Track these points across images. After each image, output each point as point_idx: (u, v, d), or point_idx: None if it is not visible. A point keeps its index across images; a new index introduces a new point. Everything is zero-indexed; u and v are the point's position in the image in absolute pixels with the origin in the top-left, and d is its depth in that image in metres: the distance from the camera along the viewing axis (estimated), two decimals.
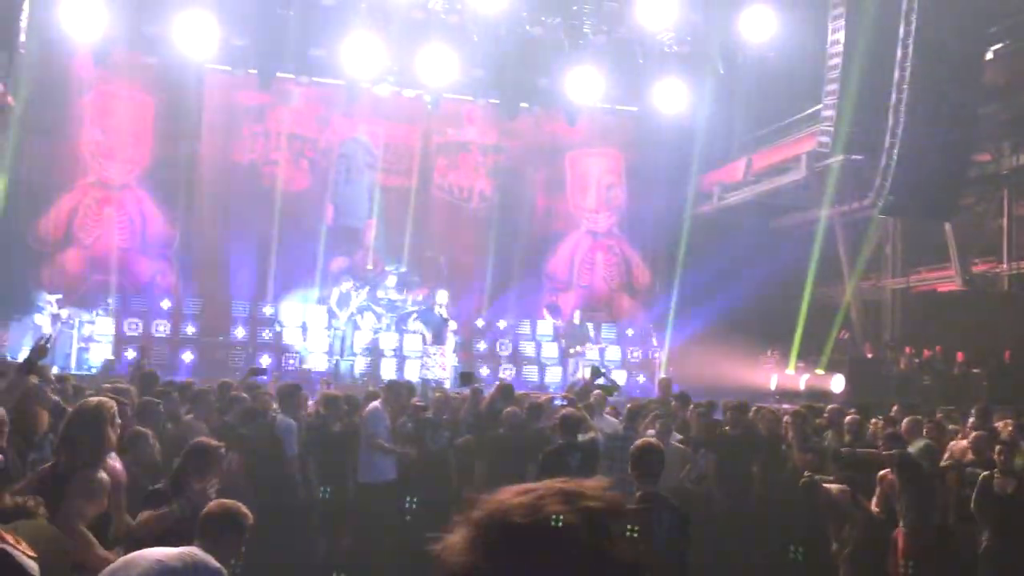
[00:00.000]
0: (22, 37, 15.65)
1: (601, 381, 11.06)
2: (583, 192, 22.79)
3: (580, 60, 19.84)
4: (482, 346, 18.83)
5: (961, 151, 16.55)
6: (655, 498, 5.56)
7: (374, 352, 17.35)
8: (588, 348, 18.20)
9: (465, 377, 11.26)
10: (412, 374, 16.14)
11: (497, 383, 11.02)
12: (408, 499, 8.00)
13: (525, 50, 19.80)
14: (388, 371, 16.69)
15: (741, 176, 20.94)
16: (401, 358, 17.41)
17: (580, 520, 1.23)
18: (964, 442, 8.76)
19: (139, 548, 3.70)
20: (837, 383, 16.56)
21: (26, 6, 15.67)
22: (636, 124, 22.36)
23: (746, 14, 19.29)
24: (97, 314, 17.22)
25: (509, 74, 20.06)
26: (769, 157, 20.42)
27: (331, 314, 17.54)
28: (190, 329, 17.54)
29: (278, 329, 17.77)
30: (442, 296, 16.79)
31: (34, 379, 5.99)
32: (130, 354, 16.14)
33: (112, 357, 16.33)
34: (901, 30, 15.82)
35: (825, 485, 7.83)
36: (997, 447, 7.52)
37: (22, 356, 8.30)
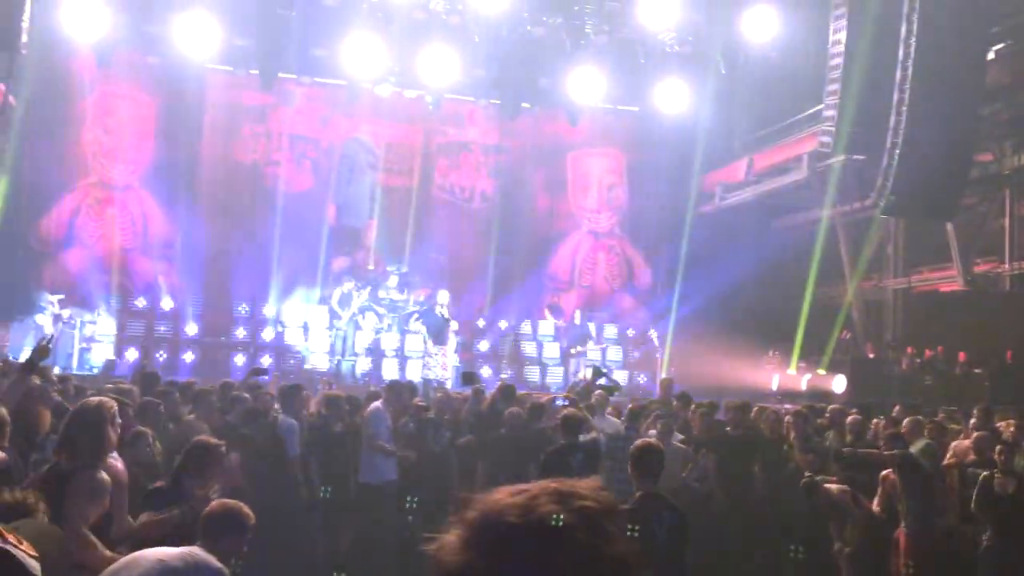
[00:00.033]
0: (24, 38, 15.65)
1: (603, 381, 11.08)
2: (584, 192, 22.79)
3: (581, 60, 19.83)
4: (483, 346, 18.84)
5: (963, 151, 16.54)
6: (655, 498, 5.57)
7: (375, 352, 17.37)
8: (589, 348, 18.20)
9: (467, 377, 11.27)
10: (414, 374, 16.15)
11: (498, 383, 11.04)
12: (409, 499, 8.00)
13: (526, 50, 19.79)
14: (390, 371, 16.70)
15: (743, 176, 20.94)
16: (403, 358, 17.43)
17: (574, 520, 1.24)
18: (967, 441, 8.77)
19: (140, 548, 3.71)
20: (839, 383, 16.54)
21: (28, 7, 15.68)
22: (637, 124, 22.35)
23: (748, 14, 19.26)
24: (99, 314, 17.24)
25: (510, 74, 20.06)
26: (771, 157, 20.42)
27: (333, 314, 17.54)
28: (192, 329, 17.55)
29: (280, 329, 17.78)
30: (443, 296, 16.79)
31: (37, 379, 6.00)
32: (131, 354, 16.20)
33: (113, 357, 16.35)
34: (903, 30, 15.82)
35: (826, 486, 7.84)
36: (998, 447, 7.53)
37: (24, 356, 8.31)
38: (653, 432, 8.80)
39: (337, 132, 20.94)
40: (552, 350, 19.00)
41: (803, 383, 17.47)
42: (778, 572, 7.80)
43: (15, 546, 1.66)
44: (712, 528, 8.27)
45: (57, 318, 16.16)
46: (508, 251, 21.14)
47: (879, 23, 16.35)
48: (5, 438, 4.77)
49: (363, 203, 21.03)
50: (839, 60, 17.08)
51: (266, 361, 16.46)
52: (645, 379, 18.77)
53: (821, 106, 17.80)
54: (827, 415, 10.29)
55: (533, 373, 18.50)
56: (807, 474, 7.96)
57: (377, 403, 9.17)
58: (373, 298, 17.85)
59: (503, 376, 17.01)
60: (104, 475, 4.35)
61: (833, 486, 7.89)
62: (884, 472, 7.80)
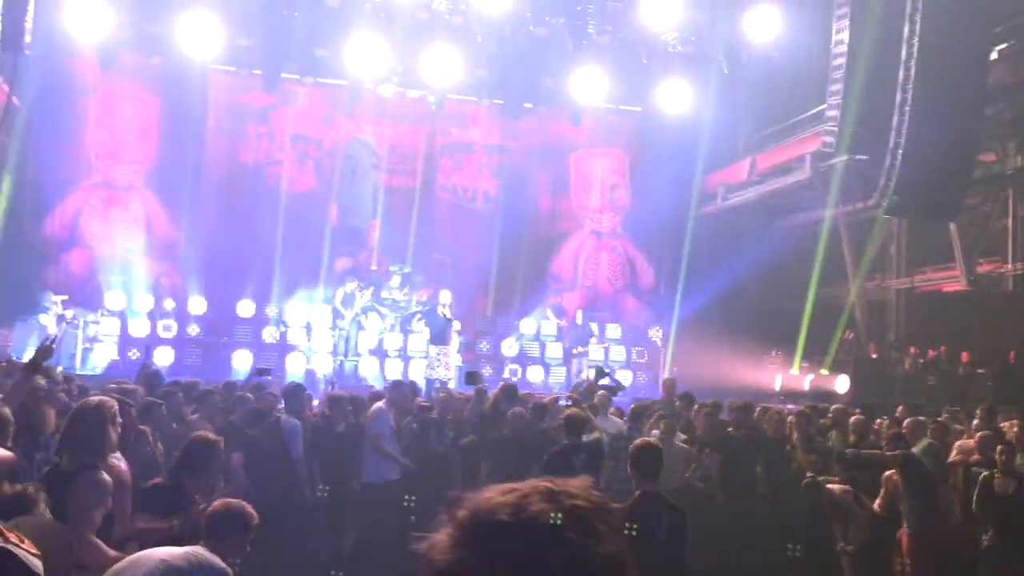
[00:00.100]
0: (27, 38, 15.65)
1: (605, 381, 11.09)
2: (587, 192, 22.79)
3: (584, 60, 19.84)
4: (486, 346, 18.85)
5: (966, 151, 16.51)
6: (654, 497, 5.57)
7: (378, 352, 17.37)
8: (592, 348, 18.20)
9: (471, 376, 11.28)
10: (417, 374, 16.15)
11: (500, 383, 11.04)
12: (407, 497, 8.01)
13: (529, 50, 19.79)
14: (393, 371, 16.71)
15: (745, 176, 20.92)
16: (406, 358, 17.44)
17: (564, 518, 1.24)
18: (972, 441, 8.77)
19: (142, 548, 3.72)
20: (841, 383, 16.53)
21: (31, 7, 15.67)
22: (640, 124, 22.34)
23: (750, 14, 19.26)
24: (102, 314, 17.26)
25: (513, 74, 20.07)
26: (773, 157, 20.40)
27: (336, 314, 17.55)
28: (194, 329, 17.56)
29: (283, 329, 17.79)
30: (445, 296, 16.79)
31: (42, 380, 6.00)
32: (133, 354, 16.21)
33: (117, 358, 16.37)
34: (905, 30, 15.80)
35: (828, 486, 7.84)
36: (998, 447, 7.54)
37: (27, 356, 8.32)
38: (656, 432, 8.81)
39: (340, 132, 20.96)
40: (555, 350, 19.00)
41: (806, 383, 17.46)
42: (780, 572, 7.79)
43: (16, 545, 1.66)
44: (715, 528, 8.27)
45: (60, 318, 16.18)
46: (511, 251, 21.13)
47: (882, 23, 16.33)
48: (8, 438, 4.77)
49: (366, 203, 21.04)
50: (842, 60, 17.06)
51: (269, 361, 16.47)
52: (647, 379, 18.76)
53: (824, 106, 17.78)
54: (830, 415, 10.28)
55: (536, 373, 18.51)
56: (809, 474, 7.96)
57: (380, 403, 9.18)
58: (376, 298, 17.86)
59: (505, 376, 17.00)
60: (105, 476, 4.35)
61: (835, 486, 7.89)
62: (887, 473, 7.80)
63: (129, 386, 8.06)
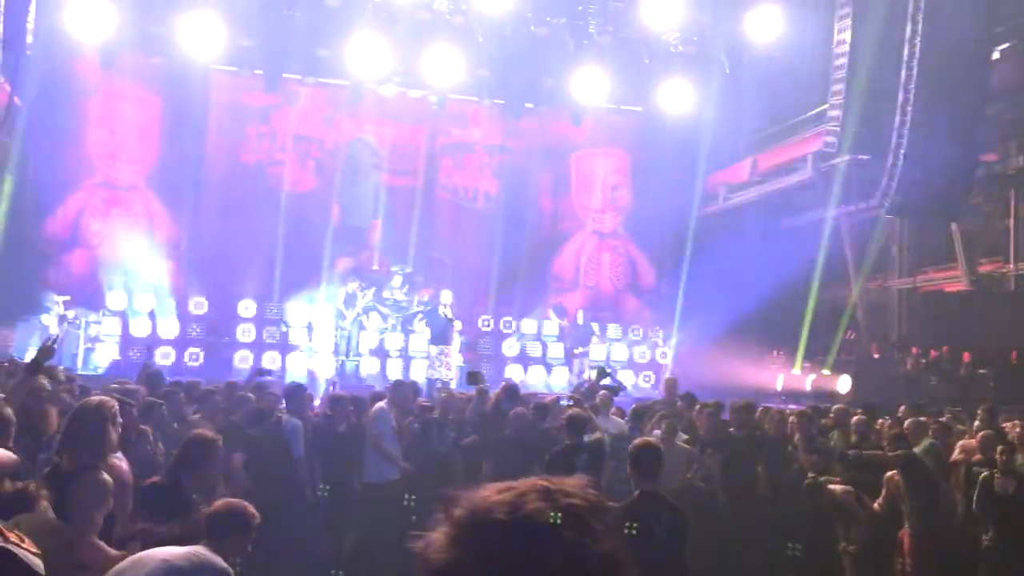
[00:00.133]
0: (29, 38, 15.66)
1: (607, 381, 11.09)
2: (588, 192, 22.78)
3: (585, 60, 19.84)
4: (487, 346, 18.85)
5: (968, 151, 16.48)
6: (654, 497, 5.56)
7: (379, 352, 17.38)
8: (594, 348, 18.19)
9: (473, 376, 11.28)
10: (418, 374, 16.16)
11: (502, 383, 11.04)
12: (407, 496, 8.01)
13: (530, 50, 19.80)
14: (394, 371, 16.72)
15: (747, 176, 20.92)
16: (407, 358, 17.44)
17: (561, 517, 1.24)
18: (974, 441, 8.77)
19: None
20: (843, 383, 16.52)
21: (32, 7, 15.69)
22: (641, 124, 22.34)
23: (752, 14, 19.27)
24: (103, 314, 17.27)
25: (514, 74, 20.07)
26: (775, 157, 20.39)
27: (338, 314, 17.56)
28: (196, 329, 17.57)
29: (284, 329, 17.80)
30: (446, 296, 16.80)
31: (45, 380, 5.99)
32: (134, 354, 16.22)
33: (118, 358, 16.38)
34: (908, 29, 15.78)
35: (830, 487, 7.83)
36: (999, 447, 7.54)
37: (29, 357, 8.32)
38: (658, 432, 8.81)
39: (341, 132, 20.96)
40: (556, 350, 19.01)
41: (808, 383, 17.45)
42: (782, 572, 7.79)
43: (17, 544, 1.65)
44: (716, 528, 8.27)
45: (62, 318, 16.19)
46: (512, 251, 21.11)
47: (884, 23, 16.33)
48: (10, 438, 4.76)
49: (367, 203, 21.04)
50: (844, 60, 17.05)
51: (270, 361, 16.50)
52: (649, 379, 18.76)
53: (826, 106, 17.78)
54: (831, 415, 10.27)
55: (537, 373, 18.50)
56: (811, 475, 7.96)
57: (381, 403, 9.18)
58: (377, 298, 17.87)
59: (507, 376, 17.00)
60: (106, 476, 4.35)
61: (837, 487, 7.88)
62: (889, 473, 7.79)
63: (131, 386, 8.07)
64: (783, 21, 19.06)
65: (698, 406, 10.27)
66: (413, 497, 8.07)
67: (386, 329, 17.81)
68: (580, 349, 17.96)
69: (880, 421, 10.22)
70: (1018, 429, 8.57)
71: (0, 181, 15.93)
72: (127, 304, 17.74)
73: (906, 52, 15.83)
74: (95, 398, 4.93)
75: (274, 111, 20.46)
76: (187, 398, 8.79)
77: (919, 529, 7.46)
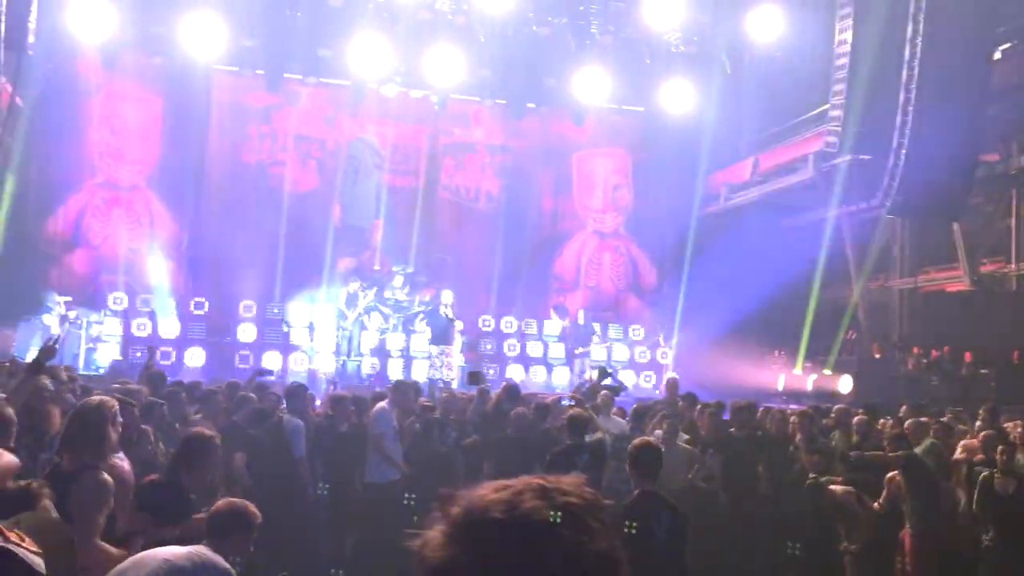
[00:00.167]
0: (30, 38, 15.66)
1: (608, 381, 11.09)
2: (590, 192, 22.77)
3: (587, 60, 19.84)
4: (488, 346, 18.85)
5: (969, 151, 16.47)
6: (653, 497, 5.57)
7: (381, 352, 17.38)
8: (595, 348, 18.19)
9: (474, 376, 11.28)
10: (419, 374, 16.16)
11: (503, 383, 11.04)
12: (406, 495, 8.02)
13: (532, 50, 19.80)
14: (395, 371, 16.72)
15: (748, 176, 20.91)
16: (408, 358, 17.44)
17: (557, 516, 1.24)
18: (976, 441, 8.78)
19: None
20: (845, 383, 16.52)
21: (34, 7, 15.68)
22: (643, 124, 22.34)
23: (753, 14, 19.25)
24: (105, 314, 17.28)
25: (516, 74, 20.08)
26: (776, 157, 20.38)
27: (339, 314, 17.56)
28: (197, 330, 17.59)
29: (285, 329, 17.81)
30: (447, 296, 16.79)
31: (47, 380, 5.99)
32: (137, 355, 16.22)
33: (120, 358, 16.38)
34: (909, 29, 15.77)
35: (831, 487, 7.83)
36: (999, 447, 7.54)
37: (30, 357, 8.33)
38: (659, 432, 8.82)
39: (343, 132, 20.96)
40: (557, 350, 19.01)
41: (809, 383, 17.45)
42: (783, 572, 7.79)
43: (17, 544, 1.65)
44: (717, 529, 8.27)
45: (63, 318, 16.19)
46: (513, 251, 21.12)
47: (885, 22, 16.31)
48: (11, 438, 4.77)
49: (368, 203, 21.05)
50: (845, 60, 17.03)
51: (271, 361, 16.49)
52: (650, 380, 18.75)
53: (827, 106, 17.76)
54: (833, 415, 10.27)
55: (538, 373, 18.51)
56: (811, 476, 7.96)
57: (383, 403, 9.18)
58: (379, 298, 17.86)
59: (508, 376, 17.01)
60: (106, 476, 4.35)
61: (838, 487, 7.88)
62: (890, 474, 7.79)
63: (133, 386, 8.07)
64: (784, 21, 19.05)
65: (699, 406, 10.28)
66: (413, 496, 8.07)
67: (387, 329, 17.81)
68: (581, 349, 17.95)
69: (882, 421, 10.22)
70: (1020, 429, 8.57)
71: (2, 181, 15.92)
72: (128, 304, 17.75)
73: (907, 52, 15.82)
74: (95, 398, 4.94)
75: (275, 111, 20.46)
76: (189, 398, 8.80)
77: (920, 529, 7.46)
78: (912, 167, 15.82)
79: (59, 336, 11.64)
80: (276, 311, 18.17)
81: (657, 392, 17.01)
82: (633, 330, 20.40)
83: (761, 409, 10.23)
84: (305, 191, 20.51)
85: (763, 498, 8.67)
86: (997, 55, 16.69)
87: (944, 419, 10.17)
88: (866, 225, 19.38)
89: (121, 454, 5.40)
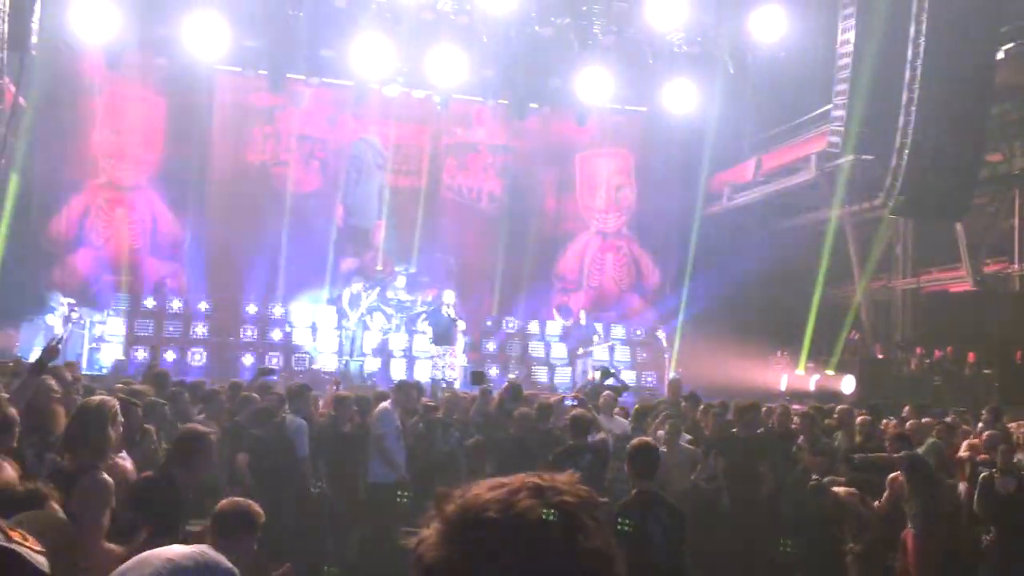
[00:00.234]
0: (33, 39, 15.69)
1: (611, 382, 11.09)
2: (592, 192, 22.77)
3: (589, 60, 19.82)
4: (491, 347, 18.86)
5: (972, 151, 16.46)
6: (651, 497, 5.57)
7: (383, 352, 17.40)
8: (597, 348, 18.18)
9: (476, 376, 11.28)
10: (422, 374, 16.17)
11: (505, 383, 11.04)
12: (400, 493, 8.02)
13: (534, 51, 19.80)
14: (398, 371, 16.73)
15: (751, 176, 20.90)
16: (411, 358, 17.45)
17: (552, 515, 1.24)
18: (979, 440, 8.78)
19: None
20: (847, 384, 16.52)
21: (37, 8, 15.71)
22: (646, 124, 22.34)
23: (756, 14, 19.24)
24: (108, 314, 17.30)
25: (518, 75, 20.08)
26: (779, 157, 20.38)
27: (342, 314, 17.58)
28: (200, 329, 17.61)
29: (288, 329, 17.83)
30: (449, 296, 16.79)
31: (53, 381, 6.00)
32: (140, 355, 16.25)
33: (123, 357, 16.40)
34: (911, 29, 15.76)
35: (834, 489, 7.83)
36: (1001, 447, 7.55)
37: (33, 356, 8.34)
38: (661, 433, 8.82)
39: (345, 133, 20.98)
40: (560, 350, 19.01)
41: (812, 383, 17.45)
42: (786, 572, 7.79)
43: (20, 543, 1.65)
44: (721, 529, 8.27)
45: (67, 319, 16.21)
46: (516, 252, 21.14)
47: (888, 22, 16.30)
48: (14, 438, 4.77)
49: (371, 204, 21.06)
50: (848, 60, 17.03)
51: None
52: (652, 379, 18.75)
53: (830, 106, 17.76)
54: (835, 416, 10.26)
55: (541, 373, 18.51)
56: (814, 478, 7.95)
57: (386, 403, 9.18)
58: (381, 299, 17.88)
59: (511, 376, 17.01)
60: (105, 476, 4.35)
61: (841, 489, 7.88)
62: (892, 474, 7.79)
63: (137, 386, 8.09)
64: (787, 21, 19.03)
65: (702, 406, 10.27)
66: (406, 494, 8.10)
67: (390, 329, 17.82)
68: (583, 349, 17.95)
69: (885, 421, 10.22)
70: (1023, 429, 8.58)
71: (5, 181, 15.94)
72: (131, 304, 17.77)
73: (910, 52, 15.81)
74: (96, 398, 4.94)
75: (278, 111, 20.47)
76: (192, 398, 8.81)
77: (922, 529, 7.45)
78: (915, 167, 15.82)
79: (62, 336, 11.67)
80: (279, 311, 18.19)
81: (658, 391, 17.01)
82: (635, 330, 20.39)
83: (763, 410, 10.21)
84: (308, 191, 20.53)
85: (766, 499, 8.66)
86: (1000, 55, 16.66)
87: (947, 419, 10.17)
88: (869, 225, 19.37)
89: (124, 453, 5.41)
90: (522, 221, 21.47)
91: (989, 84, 16.35)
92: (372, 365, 17.15)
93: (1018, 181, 18.21)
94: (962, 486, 8.19)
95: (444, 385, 14.71)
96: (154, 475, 5.11)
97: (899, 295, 20.87)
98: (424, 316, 17.58)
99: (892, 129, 16.13)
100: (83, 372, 13.72)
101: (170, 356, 16.44)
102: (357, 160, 21.07)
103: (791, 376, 18.14)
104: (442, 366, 15.77)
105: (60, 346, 6.68)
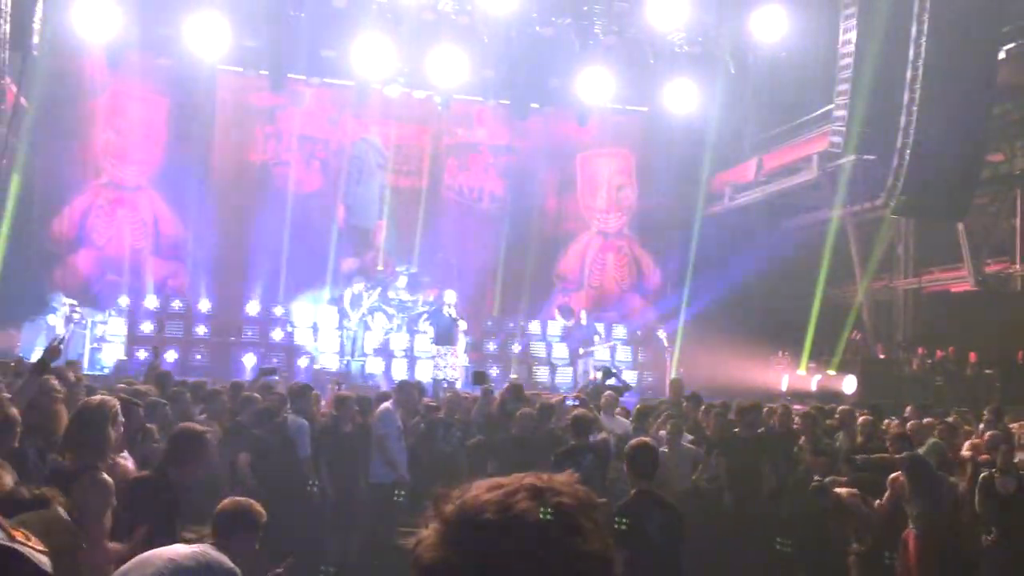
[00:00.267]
0: (35, 39, 15.70)
1: (612, 382, 11.08)
2: (594, 193, 22.77)
3: (590, 60, 19.83)
4: (492, 347, 18.85)
5: (974, 151, 16.47)
6: (650, 497, 5.56)
7: (385, 352, 17.39)
8: (598, 348, 18.17)
9: (478, 376, 11.27)
10: (424, 374, 16.16)
11: (507, 383, 11.04)
12: (396, 492, 8.02)
13: (535, 51, 19.80)
14: (399, 371, 16.72)
15: (752, 176, 20.90)
16: (412, 358, 17.45)
17: (550, 516, 1.24)
18: (981, 440, 8.78)
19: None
20: (849, 384, 16.51)
21: (39, 8, 15.73)
22: (647, 124, 22.33)
23: (757, 14, 19.24)
24: (110, 314, 17.31)
25: (519, 75, 20.08)
26: (780, 157, 20.38)
27: (343, 314, 17.58)
28: (201, 329, 17.61)
29: (289, 330, 17.82)
30: (450, 296, 16.77)
31: (55, 381, 6.00)
32: (141, 355, 16.24)
33: (124, 357, 16.40)
34: (913, 29, 15.76)
35: (836, 489, 7.82)
36: (1001, 447, 7.55)
37: (35, 356, 8.35)
38: (663, 433, 8.81)
39: (346, 133, 20.98)
40: (561, 351, 18.99)
41: (813, 384, 17.44)
42: (787, 573, 7.78)
43: (23, 543, 1.65)
44: (723, 530, 8.27)
45: (68, 319, 16.22)
46: (517, 252, 21.13)
47: (889, 22, 16.30)
48: (15, 438, 4.77)
49: (372, 204, 21.06)
50: (849, 60, 17.03)
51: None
52: (653, 380, 18.73)
53: (831, 106, 17.76)
54: (837, 416, 10.25)
55: (542, 374, 18.50)
56: (815, 478, 7.95)
57: (387, 403, 9.18)
58: (383, 299, 17.87)
59: (512, 376, 17.00)
60: (105, 476, 4.35)
61: (843, 490, 7.87)
62: (893, 474, 7.78)
63: (139, 387, 8.09)
64: (788, 21, 19.02)
65: (704, 407, 10.26)
66: (402, 493, 8.09)
67: (391, 329, 17.82)
68: (584, 349, 17.94)
69: (887, 422, 10.21)
70: None
71: (6, 181, 15.95)
72: (134, 304, 17.77)
73: (912, 52, 15.81)
74: (96, 398, 4.94)
75: (279, 111, 20.48)
76: (193, 398, 8.81)
77: (924, 529, 7.45)
78: (916, 167, 15.82)
79: (64, 336, 11.67)
80: (280, 311, 18.19)
81: (657, 390, 17.01)
82: (636, 330, 20.37)
83: (765, 409, 10.20)
84: (309, 191, 20.53)
85: (768, 499, 8.65)
86: (1001, 55, 16.66)
87: (949, 420, 10.16)
88: (870, 225, 19.37)
89: (125, 453, 5.41)
90: (523, 221, 21.47)
91: (990, 84, 16.34)
92: (374, 365, 17.14)
93: (1019, 181, 18.22)
94: (963, 486, 8.18)
95: (446, 385, 14.70)
96: (148, 474, 5.10)
97: (901, 295, 20.88)
98: (425, 316, 17.57)
99: (894, 129, 16.13)
100: (84, 372, 13.73)
101: (171, 356, 16.43)
102: (358, 160, 21.07)
103: (792, 376, 18.13)
104: (443, 366, 15.75)
105: (62, 346, 6.69)
